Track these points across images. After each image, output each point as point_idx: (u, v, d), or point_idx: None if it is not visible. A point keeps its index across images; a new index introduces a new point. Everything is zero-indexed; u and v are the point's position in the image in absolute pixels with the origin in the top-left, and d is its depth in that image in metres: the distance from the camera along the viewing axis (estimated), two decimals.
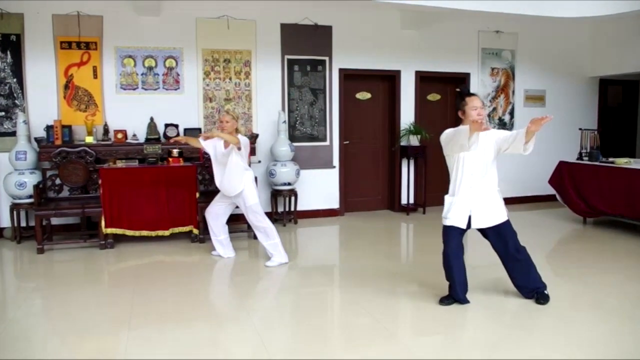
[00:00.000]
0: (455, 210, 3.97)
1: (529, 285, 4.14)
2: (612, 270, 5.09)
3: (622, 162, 6.75)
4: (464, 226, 3.97)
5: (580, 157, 7.40)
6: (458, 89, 4.06)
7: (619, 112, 9.83)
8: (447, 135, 3.95)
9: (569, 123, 9.00)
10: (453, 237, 4.03)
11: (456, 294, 4.08)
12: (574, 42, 9.06)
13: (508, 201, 8.34)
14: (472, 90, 8.16)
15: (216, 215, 5.50)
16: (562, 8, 7.02)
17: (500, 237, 4.05)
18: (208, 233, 5.82)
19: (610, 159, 7.03)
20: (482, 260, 5.30)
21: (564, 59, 9.05)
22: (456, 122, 4.19)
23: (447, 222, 4.02)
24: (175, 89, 6.99)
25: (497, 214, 3.99)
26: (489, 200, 3.96)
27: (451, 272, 4.06)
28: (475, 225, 3.98)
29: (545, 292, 4.12)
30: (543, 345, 3.40)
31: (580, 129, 7.88)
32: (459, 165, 3.95)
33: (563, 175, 7.31)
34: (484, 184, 3.94)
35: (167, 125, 6.75)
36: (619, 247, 6.01)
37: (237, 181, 5.16)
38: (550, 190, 7.70)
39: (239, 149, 5.07)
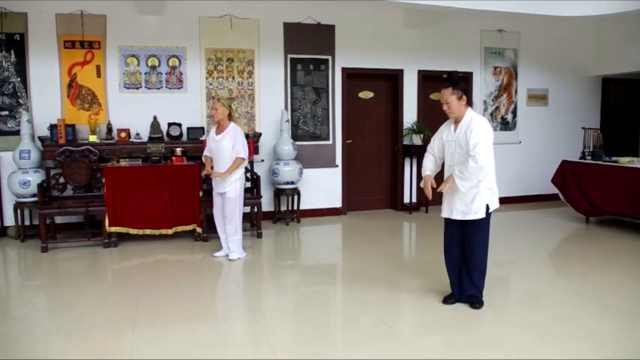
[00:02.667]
0: (444, 201, 4.03)
1: (467, 289, 4.05)
2: (615, 269, 5.09)
3: (626, 161, 6.75)
4: (449, 216, 3.98)
5: (583, 156, 7.39)
6: (444, 75, 4.01)
7: (621, 111, 9.81)
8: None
9: (571, 122, 9.00)
10: (446, 228, 4.10)
11: (450, 283, 4.15)
12: (577, 41, 9.05)
13: (511, 200, 8.53)
14: (474, 87, 8.34)
15: (222, 211, 5.48)
16: (565, 7, 7.02)
17: (472, 230, 3.94)
18: (212, 232, 5.84)
19: (614, 158, 7.03)
20: None
21: (566, 58, 9.04)
22: None
23: (441, 214, 4.10)
24: (179, 88, 7.00)
25: (474, 210, 3.86)
26: (468, 192, 3.83)
27: (445, 262, 4.16)
28: (454, 215, 3.94)
29: (482, 300, 4.05)
30: (546, 344, 3.40)
31: (583, 128, 7.88)
32: (445, 157, 4.04)
33: (566, 174, 7.31)
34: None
35: (170, 124, 6.75)
36: (622, 247, 6.01)
37: (230, 181, 5.32)
38: (553, 190, 7.69)
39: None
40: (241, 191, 5.43)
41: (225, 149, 5.25)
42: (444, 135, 4.02)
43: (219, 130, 5.33)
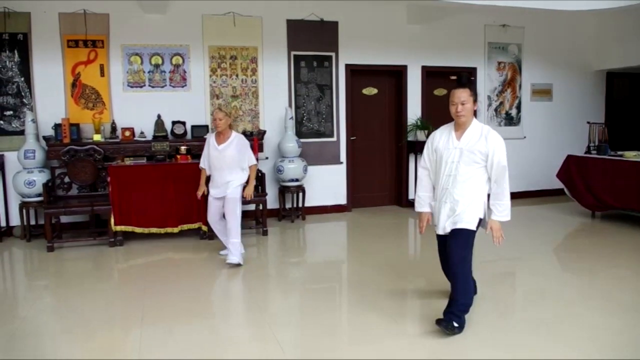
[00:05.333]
0: (436, 216, 3.69)
1: (453, 304, 3.55)
2: (621, 264, 5.07)
3: (631, 155, 6.72)
4: (444, 232, 3.63)
5: (588, 151, 7.37)
6: (453, 77, 3.80)
7: (626, 105, 9.78)
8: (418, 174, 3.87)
9: (576, 117, 8.98)
10: (439, 244, 3.82)
11: None
12: (581, 36, 9.02)
13: (516, 195, 8.39)
14: (478, 83, 8.32)
15: (220, 215, 5.29)
16: (569, 1, 6.99)
17: (456, 242, 3.54)
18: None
19: (619, 153, 7.00)
20: (489, 255, 5.30)
21: (570, 52, 9.00)
22: None
23: (437, 232, 3.74)
24: (182, 86, 6.99)
25: (465, 219, 3.51)
26: (462, 206, 3.53)
27: (445, 274, 3.93)
28: (447, 229, 3.60)
29: (454, 324, 3.43)
30: (553, 342, 3.39)
31: (588, 122, 7.85)
32: (439, 166, 3.64)
33: (571, 169, 7.28)
34: (462, 188, 3.54)
35: (174, 123, 6.75)
36: (628, 241, 5.99)
37: (231, 185, 5.13)
38: (559, 184, 7.67)
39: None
40: (241, 193, 5.24)
41: (229, 157, 5.07)
42: (440, 143, 3.63)
43: (221, 139, 5.13)
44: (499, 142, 3.52)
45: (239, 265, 5.09)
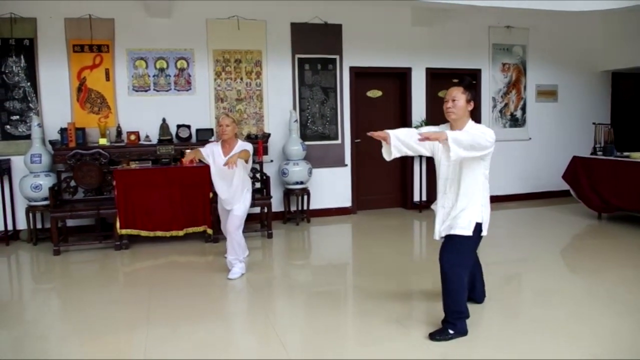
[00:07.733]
0: (435, 221, 3.61)
1: (445, 311, 3.51)
2: (628, 266, 5.04)
3: (638, 156, 6.68)
4: (440, 235, 3.59)
5: (594, 152, 7.34)
6: (455, 80, 3.67)
7: (632, 106, 9.73)
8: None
9: (581, 118, 8.95)
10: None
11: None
12: (586, 36, 8.99)
13: (521, 197, 8.50)
14: (483, 84, 8.31)
15: None
16: (573, 2, 6.98)
17: (451, 247, 3.47)
18: (222, 233, 5.83)
19: (625, 154, 6.96)
20: (495, 257, 5.28)
21: (575, 53, 8.97)
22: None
23: (434, 237, 3.66)
24: (187, 90, 7.02)
25: (460, 224, 3.42)
26: (457, 210, 3.45)
27: None
28: (443, 233, 3.55)
29: (450, 331, 3.43)
30: (560, 343, 3.38)
31: (594, 123, 7.82)
32: (437, 168, 3.61)
33: (577, 170, 7.25)
34: (459, 192, 3.45)
35: (179, 126, 6.77)
36: (635, 243, 5.95)
37: (240, 195, 4.87)
38: (564, 186, 7.63)
39: (247, 161, 4.80)
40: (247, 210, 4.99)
41: (241, 178, 4.80)
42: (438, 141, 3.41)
43: (227, 150, 4.83)
44: (481, 126, 3.44)
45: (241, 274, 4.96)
